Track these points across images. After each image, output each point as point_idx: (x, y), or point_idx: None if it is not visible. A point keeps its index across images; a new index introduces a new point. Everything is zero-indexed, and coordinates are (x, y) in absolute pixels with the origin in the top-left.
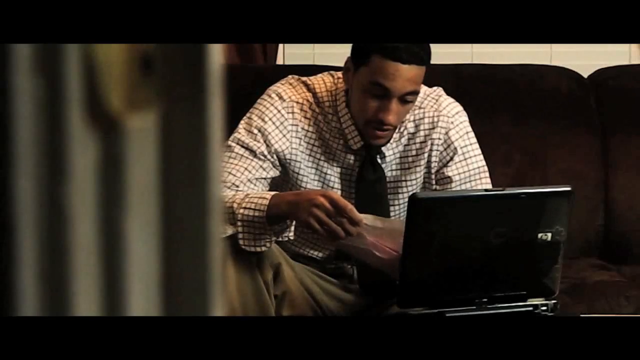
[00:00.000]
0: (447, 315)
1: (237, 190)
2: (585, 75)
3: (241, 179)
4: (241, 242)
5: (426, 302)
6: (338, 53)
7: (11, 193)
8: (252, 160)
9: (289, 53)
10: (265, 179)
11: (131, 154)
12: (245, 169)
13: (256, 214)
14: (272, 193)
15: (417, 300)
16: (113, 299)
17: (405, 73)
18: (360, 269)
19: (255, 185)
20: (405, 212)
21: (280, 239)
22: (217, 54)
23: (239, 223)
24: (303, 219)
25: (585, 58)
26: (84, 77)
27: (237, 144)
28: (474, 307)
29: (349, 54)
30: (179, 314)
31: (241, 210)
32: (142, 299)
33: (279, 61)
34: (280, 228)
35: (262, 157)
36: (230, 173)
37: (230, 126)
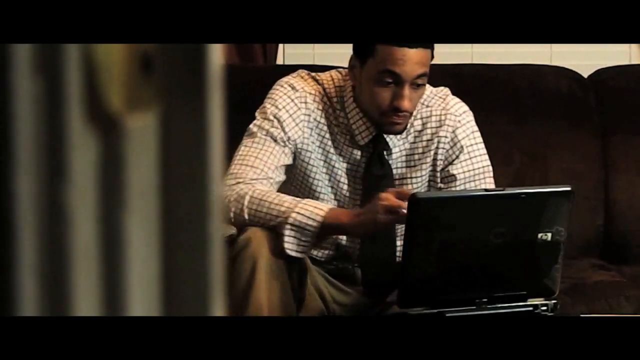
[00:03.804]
0: (447, 315)
1: (266, 178)
2: (585, 75)
3: (268, 166)
4: (286, 245)
5: (426, 302)
6: (338, 53)
7: (11, 193)
8: (275, 145)
9: (289, 53)
10: (285, 165)
11: (131, 154)
12: (271, 153)
13: (309, 222)
14: (329, 206)
15: (417, 300)
16: (113, 299)
17: (414, 56)
18: (364, 270)
19: (280, 172)
20: None
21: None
22: (217, 54)
23: (288, 226)
24: (373, 224)
25: (585, 58)
26: (84, 77)
27: (259, 129)
28: (474, 307)
29: (349, 54)
30: (179, 314)
31: (294, 215)
32: (142, 299)
33: (279, 61)
34: (322, 239)
35: (282, 143)
36: (257, 157)
37: (230, 126)
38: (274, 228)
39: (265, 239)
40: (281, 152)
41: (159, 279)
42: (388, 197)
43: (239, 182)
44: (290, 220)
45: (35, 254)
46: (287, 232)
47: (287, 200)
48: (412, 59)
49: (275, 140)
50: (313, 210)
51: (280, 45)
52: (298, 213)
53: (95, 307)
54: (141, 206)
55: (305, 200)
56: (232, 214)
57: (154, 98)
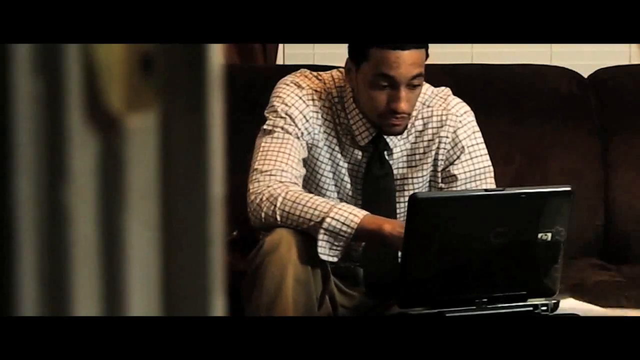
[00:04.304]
0: (447, 315)
1: (291, 171)
2: (585, 75)
3: (292, 159)
4: (319, 249)
5: (426, 302)
6: (338, 53)
7: (11, 193)
8: (294, 139)
9: (289, 53)
10: (305, 159)
11: (131, 154)
12: (292, 146)
13: (343, 227)
14: (364, 212)
15: (417, 300)
16: (113, 299)
17: (407, 58)
18: (367, 271)
19: (302, 166)
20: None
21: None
22: (217, 54)
23: (322, 231)
24: None
25: (585, 58)
26: (84, 77)
27: (274, 127)
28: (474, 307)
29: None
30: (179, 314)
31: (328, 220)
32: (142, 299)
33: (279, 61)
34: (354, 244)
35: (297, 137)
36: (279, 152)
37: (230, 126)
38: (306, 231)
39: (293, 244)
40: (300, 146)
41: (159, 279)
42: None
43: (267, 177)
44: (325, 225)
45: (35, 254)
46: (320, 237)
47: (321, 203)
48: (406, 61)
49: (292, 135)
50: (348, 216)
51: (280, 45)
52: (332, 218)
53: (95, 307)
54: (141, 206)
55: (341, 205)
56: (263, 214)
57: (154, 98)
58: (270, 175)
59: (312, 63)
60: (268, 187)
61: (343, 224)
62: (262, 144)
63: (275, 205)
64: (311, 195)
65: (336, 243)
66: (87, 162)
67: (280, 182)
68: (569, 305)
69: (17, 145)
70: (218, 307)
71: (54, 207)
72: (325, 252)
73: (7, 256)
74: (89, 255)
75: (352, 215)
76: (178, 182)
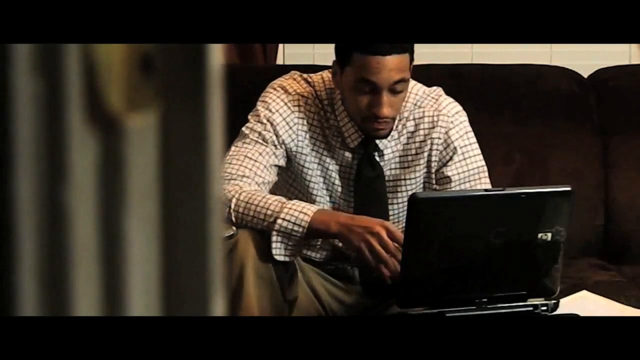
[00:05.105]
0: (447, 315)
1: (253, 177)
2: (585, 75)
3: (257, 165)
4: (274, 250)
5: (426, 302)
6: None
7: (11, 193)
8: (266, 146)
9: (289, 53)
10: (277, 166)
11: (131, 154)
12: (260, 153)
13: (295, 227)
14: (314, 208)
15: (417, 300)
16: (113, 299)
17: (388, 64)
18: (362, 270)
19: (270, 172)
20: (405, 212)
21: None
22: (217, 54)
23: (274, 233)
24: (354, 243)
25: (585, 58)
26: (84, 77)
27: (251, 131)
28: (474, 307)
29: None
30: (179, 314)
31: (279, 221)
32: (142, 299)
33: (279, 61)
34: (313, 242)
35: (273, 145)
36: (246, 156)
37: (230, 126)
38: (262, 231)
39: (251, 240)
40: (271, 153)
41: (159, 279)
42: (381, 233)
43: (226, 182)
44: (276, 226)
45: (35, 254)
46: (274, 239)
47: (273, 203)
48: (387, 66)
49: (266, 142)
50: (298, 215)
51: (280, 45)
52: (283, 219)
53: (95, 307)
54: (141, 206)
55: (291, 204)
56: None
57: (154, 98)
58: (230, 180)
59: (312, 63)
60: (223, 192)
61: (294, 224)
62: (232, 149)
63: (230, 208)
64: (264, 194)
65: (290, 243)
66: (87, 162)
67: (237, 185)
68: (586, 297)
69: (17, 145)
70: (218, 307)
71: (54, 207)
72: (281, 252)
73: (7, 256)
74: (89, 255)
75: (302, 214)
76: (178, 182)
